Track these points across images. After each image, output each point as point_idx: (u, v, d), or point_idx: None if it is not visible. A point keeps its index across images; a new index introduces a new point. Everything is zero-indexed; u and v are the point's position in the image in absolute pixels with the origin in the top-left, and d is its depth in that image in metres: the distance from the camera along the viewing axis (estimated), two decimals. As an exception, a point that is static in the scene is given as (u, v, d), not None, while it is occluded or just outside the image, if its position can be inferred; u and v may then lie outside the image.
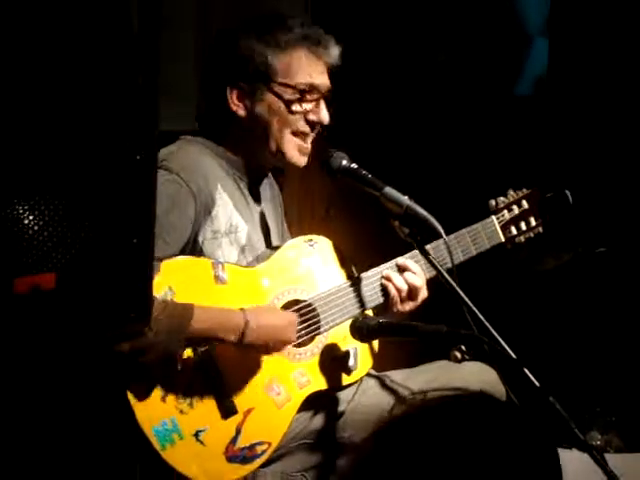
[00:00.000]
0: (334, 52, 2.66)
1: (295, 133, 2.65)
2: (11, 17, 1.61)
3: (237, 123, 2.64)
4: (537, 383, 2.27)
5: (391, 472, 1.29)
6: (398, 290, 2.69)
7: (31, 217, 1.67)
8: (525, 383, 2.30)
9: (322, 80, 2.65)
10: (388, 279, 2.71)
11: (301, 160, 2.67)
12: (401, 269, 2.72)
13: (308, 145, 2.66)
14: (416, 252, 2.69)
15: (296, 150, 2.65)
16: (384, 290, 2.72)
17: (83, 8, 1.69)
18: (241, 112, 2.62)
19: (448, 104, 3.98)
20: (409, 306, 2.72)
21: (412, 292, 2.71)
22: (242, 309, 2.45)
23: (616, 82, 3.87)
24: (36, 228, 1.68)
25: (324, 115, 2.65)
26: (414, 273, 2.71)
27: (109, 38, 1.72)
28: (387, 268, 2.74)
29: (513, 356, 2.34)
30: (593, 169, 3.88)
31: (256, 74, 2.60)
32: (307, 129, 2.65)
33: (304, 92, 2.62)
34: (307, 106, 2.63)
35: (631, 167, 3.88)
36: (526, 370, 2.28)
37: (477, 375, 2.75)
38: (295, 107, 2.62)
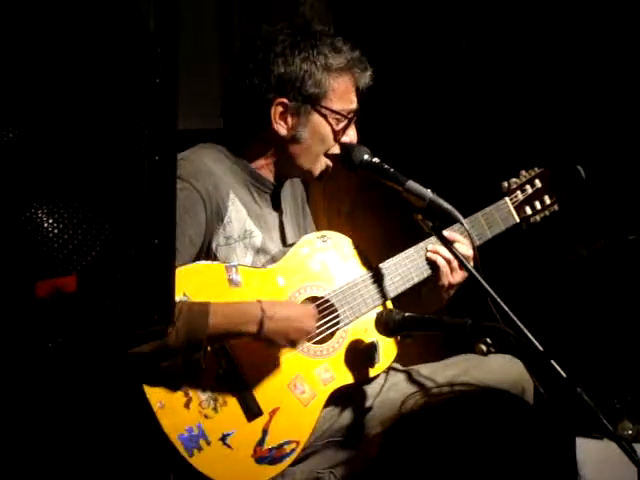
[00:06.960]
0: (369, 77, 2.65)
1: (327, 154, 2.66)
2: (29, 21, 1.62)
3: (270, 137, 2.62)
4: (564, 374, 2.25)
5: (413, 465, 1.29)
6: (448, 261, 2.68)
7: (50, 220, 1.68)
8: (552, 374, 2.28)
9: (356, 103, 2.66)
10: (435, 252, 2.71)
11: (323, 177, 2.69)
12: (448, 242, 2.66)
13: (332, 164, 2.67)
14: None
15: (323, 170, 2.67)
16: (431, 264, 2.72)
17: (98, 9, 1.69)
18: (282, 130, 2.60)
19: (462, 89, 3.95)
20: (459, 276, 2.70)
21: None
22: (258, 300, 2.46)
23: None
24: (56, 231, 1.68)
25: (354, 137, 2.66)
26: (462, 244, 2.69)
27: (125, 39, 1.72)
28: (420, 247, 2.72)
29: (540, 348, 2.32)
30: (622, 156, 3.84)
31: (306, 95, 2.58)
32: (338, 151, 2.65)
33: (346, 117, 2.63)
34: (345, 130, 2.64)
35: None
36: (553, 362, 2.26)
37: (503, 368, 2.73)
38: (337, 132, 2.63)
